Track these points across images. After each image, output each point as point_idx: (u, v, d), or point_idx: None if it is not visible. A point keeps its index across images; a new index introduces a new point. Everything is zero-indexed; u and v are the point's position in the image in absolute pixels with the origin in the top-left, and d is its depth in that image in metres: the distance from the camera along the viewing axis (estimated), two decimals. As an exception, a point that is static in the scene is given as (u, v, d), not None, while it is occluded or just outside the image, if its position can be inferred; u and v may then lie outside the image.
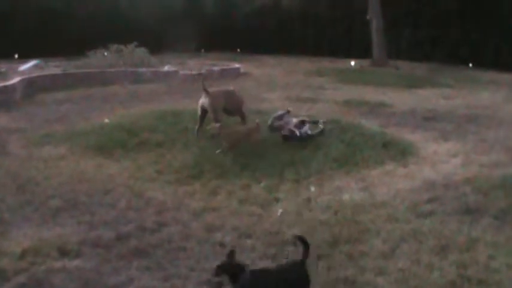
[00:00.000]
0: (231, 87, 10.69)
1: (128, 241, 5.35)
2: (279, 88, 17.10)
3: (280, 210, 6.22)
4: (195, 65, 22.47)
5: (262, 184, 7.19)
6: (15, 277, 4.64)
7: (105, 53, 21.07)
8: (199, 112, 9.61)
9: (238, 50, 33.46)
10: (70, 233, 5.54)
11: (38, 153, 8.76)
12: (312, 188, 7.06)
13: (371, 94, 16.05)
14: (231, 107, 9.85)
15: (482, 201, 6.48)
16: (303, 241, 4.25)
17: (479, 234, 5.49)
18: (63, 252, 5.07)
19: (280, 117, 9.99)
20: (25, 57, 22.64)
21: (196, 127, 9.65)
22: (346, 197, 6.73)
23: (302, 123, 9.62)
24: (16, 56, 24.54)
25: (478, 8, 27.87)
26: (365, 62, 26.64)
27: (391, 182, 7.32)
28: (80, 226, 5.76)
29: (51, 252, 5.05)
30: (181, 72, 19.43)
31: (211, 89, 9.71)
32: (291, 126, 9.45)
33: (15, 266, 4.79)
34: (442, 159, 8.54)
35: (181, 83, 17.68)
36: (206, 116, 9.60)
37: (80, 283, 4.60)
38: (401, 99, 15.24)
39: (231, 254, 4.13)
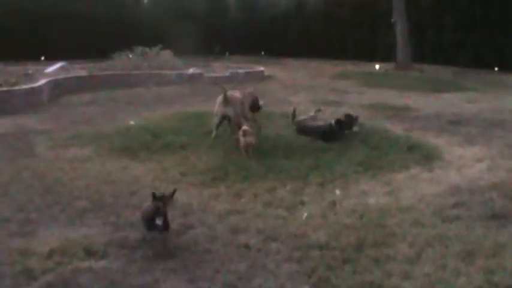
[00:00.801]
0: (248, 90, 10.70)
1: (153, 243, 5.37)
2: (304, 91, 17.09)
3: (305, 214, 6.21)
4: (219, 67, 22.55)
5: (287, 187, 7.18)
6: (43, 276, 4.68)
7: (130, 56, 21.22)
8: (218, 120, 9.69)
9: (262, 53, 33.51)
10: (96, 234, 5.58)
11: (65, 154, 8.86)
12: (337, 192, 7.04)
13: (396, 98, 15.98)
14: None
15: (509, 206, 6.41)
16: None
17: (506, 240, 5.43)
18: (90, 253, 5.12)
19: (314, 118, 10.08)
20: (51, 59, 22.89)
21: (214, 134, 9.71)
22: (371, 200, 6.70)
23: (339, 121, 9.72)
24: (42, 58, 24.83)
25: (502, 12, 27.61)
26: (389, 66, 26.51)
27: (416, 186, 7.28)
28: (106, 227, 5.81)
29: (77, 253, 5.10)
30: (206, 74, 19.50)
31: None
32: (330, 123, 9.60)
33: (43, 265, 4.84)
34: (467, 164, 8.46)
35: (205, 86, 17.73)
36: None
37: (105, 283, 4.63)
38: (426, 103, 15.14)
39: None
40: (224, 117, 9.57)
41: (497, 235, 5.56)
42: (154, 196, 5.18)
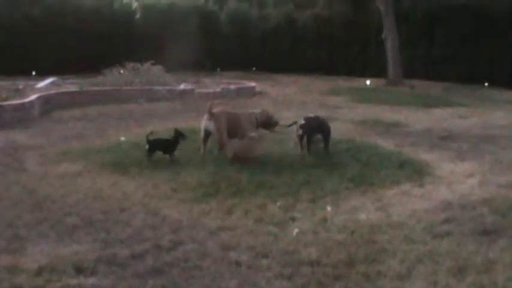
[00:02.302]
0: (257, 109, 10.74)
1: (143, 259, 5.34)
2: (295, 107, 17.13)
3: (296, 230, 6.19)
4: (210, 83, 22.58)
5: (278, 203, 7.16)
6: (32, 294, 4.65)
7: (121, 71, 21.23)
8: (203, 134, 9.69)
9: (254, 68, 33.60)
10: (86, 251, 5.54)
11: (55, 170, 8.81)
12: (328, 208, 7.02)
13: (386, 113, 16.04)
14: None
15: (500, 222, 6.41)
16: None
17: (497, 256, 5.42)
18: (79, 270, 5.06)
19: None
20: (42, 74, 22.87)
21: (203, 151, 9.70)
22: (362, 216, 6.69)
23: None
24: (33, 73, 24.81)
25: (492, 27, 27.88)
26: (380, 81, 26.63)
27: (407, 202, 7.28)
28: (96, 244, 5.76)
29: (67, 270, 5.04)
30: (197, 90, 19.52)
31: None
32: None
33: (32, 282, 4.79)
34: (458, 179, 8.48)
35: (197, 101, 17.73)
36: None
37: (95, 301, 4.60)
38: (416, 118, 15.21)
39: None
40: (206, 132, 9.57)
41: (488, 251, 5.55)
42: None
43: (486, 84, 26.55)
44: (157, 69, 21.70)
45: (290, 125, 10.19)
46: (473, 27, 28.63)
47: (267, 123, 10.42)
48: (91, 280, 4.91)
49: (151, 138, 9.26)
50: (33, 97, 15.15)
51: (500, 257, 5.40)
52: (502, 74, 27.42)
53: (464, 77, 27.87)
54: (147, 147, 9.21)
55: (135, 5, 33.81)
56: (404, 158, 9.77)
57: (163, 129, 11.16)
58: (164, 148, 9.43)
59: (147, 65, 21.69)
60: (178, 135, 9.44)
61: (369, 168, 9.01)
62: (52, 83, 20.60)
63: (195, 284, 4.87)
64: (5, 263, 5.19)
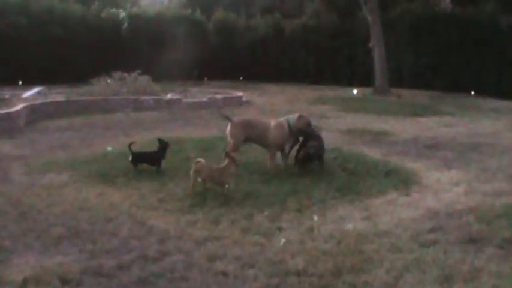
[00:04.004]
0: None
1: (130, 270, 5.31)
2: (282, 116, 17.06)
3: (283, 240, 6.18)
4: (198, 93, 22.56)
5: (265, 213, 7.15)
6: (16, 306, 4.61)
7: (108, 81, 21.18)
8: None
9: (241, 78, 33.63)
10: (71, 262, 5.50)
11: (40, 180, 8.77)
12: (315, 217, 7.02)
13: (373, 122, 16.08)
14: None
15: (485, 230, 6.44)
16: None
17: (483, 264, 5.45)
18: (65, 281, 5.03)
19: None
20: (29, 84, 22.79)
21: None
22: (349, 226, 6.69)
23: None
24: (20, 82, 24.73)
25: (477, 37, 28.13)
26: (367, 91, 26.71)
27: (394, 211, 7.29)
28: (82, 254, 5.72)
29: (52, 281, 5.01)
30: (184, 100, 19.50)
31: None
32: None
33: (16, 295, 4.77)
34: (444, 188, 8.51)
35: (184, 111, 17.71)
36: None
37: (81, 313, 4.57)
38: (403, 127, 15.26)
39: None
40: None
41: (474, 259, 5.57)
42: None
43: (472, 93, 26.71)
44: (144, 79, 21.65)
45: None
46: (459, 36, 28.86)
47: (304, 131, 9.79)
48: (77, 291, 4.89)
49: (135, 151, 9.23)
50: (19, 107, 15.07)
51: (486, 265, 5.42)
52: (487, 83, 27.66)
53: (451, 86, 28.06)
54: (130, 158, 9.18)
55: (122, 14, 33.75)
56: (391, 167, 9.80)
57: (150, 139, 11.12)
58: (149, 160, 9.40)
59: (134, 74, 21.65)
60: (163, 145, 9.42)
61: (356, 178, 9.03)
62: (38, 93, 20.54)
63: (181, 294, 4.86)
64: (-11, 275, 5.16)
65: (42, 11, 29.78)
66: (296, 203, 7.61)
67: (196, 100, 19.87)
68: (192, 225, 6.72)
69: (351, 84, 29.73)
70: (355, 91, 26.57)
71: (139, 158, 9.27)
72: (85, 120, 15.65)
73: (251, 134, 9.60)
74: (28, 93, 19.83)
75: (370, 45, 27.70)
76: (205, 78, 31.98)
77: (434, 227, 6.57)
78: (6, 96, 18.09)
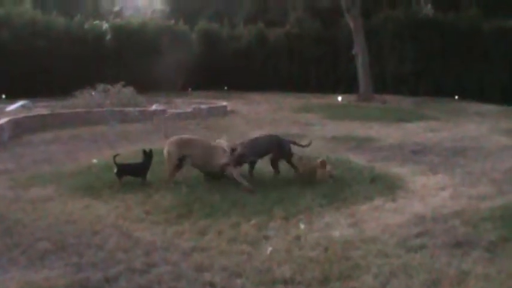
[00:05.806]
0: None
1: (117, 283, 5.28)
2: (267, 125, 17.15)
3: (269, 248, 6.17)
4: (182, 103, 22.55)
5: (251, 222, 7.14)
6: (2, 322, 4.57)
7: (92, 93, 21.11)
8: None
9: (226, 87, 33.65)
10: (57, 276, 5.46)
11: (25, 194, 8.71)
12: (302, 225, 7.02)
13: (358, 129, 16.14)
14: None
15: (472, 233, 6.47)
16: None
17: (470, 267, 5.47)
18: (51, 296, 5.01)
19: None
20: (12, 97, 22.66)
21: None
22: (335, 233, 6.70)
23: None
24: (3, 96, 24.58)
25: (459, 43, 28.42)
26: (352, 97, 26.83)
27: (380, 217, 7.31)
28: (68, 268, 5.68)
29: (38, 296, 4.98)
30: (169, 111, 19.46)
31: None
32: None
33: (2, 311, 4.73)
34: (430, 193, 8.55)
35: (169, 122, 17.67)
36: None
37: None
38: (388, 133, 15.33)
39: None
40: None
41: (461, 263, 5.60)
42: None
43: (456, 97, 26.91)
44: (129, 91, 21.61)
45: (306, 145, 10.14)
46: (441, 42, 29.13)
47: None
48: (63, 306, 4.85)
49: (119, 162, 9.20)
50: (2, 121, 14.97)
51: (473, 268, 5.44)
52: (470, 87, 27.94)
53: (434, 91, 28.29)
54: (115, 170, 9.14)
55: (105, 26, 33.68)
56: (376, 172, 9.84)
57: (134, 151, 11.07)
58: (134, 172, 9.37)
59: (118, 86, 21.60)
60: (148, 157, 9.39)
61: (342, 184, 9.04)
62: (22, 106, 20.42)
63: (169, 306, 4.84)
64: (-26, 292, 5.11)
65: (25, 24, 29.61)
66: (283, 211, 7.60)
67: (181, 111, 19.83)
68: (179, 236, 6.69)
69: (335, 91, 29.85)
70: (339, 98, 26.67)
71: (124, 170, 9.23)
72: (70, 133, 15.56)
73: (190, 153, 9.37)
74: (12, 107, 19.73)
75: (354, 52, 27.85)
76: (190, 89, 31.94)
77: (421, 232, 6.59)
78: (-10, 111, 18.00)
